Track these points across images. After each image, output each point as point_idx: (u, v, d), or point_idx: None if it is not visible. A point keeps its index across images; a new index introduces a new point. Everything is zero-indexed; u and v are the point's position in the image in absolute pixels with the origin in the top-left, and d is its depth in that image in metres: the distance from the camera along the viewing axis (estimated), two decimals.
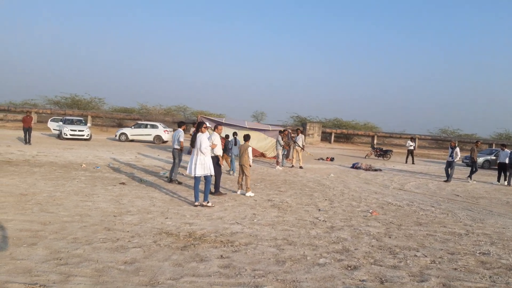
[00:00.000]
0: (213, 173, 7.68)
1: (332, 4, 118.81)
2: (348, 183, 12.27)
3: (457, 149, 14.61)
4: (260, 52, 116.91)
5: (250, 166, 9.10)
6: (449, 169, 14.65)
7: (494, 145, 40.42)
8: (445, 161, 15.80)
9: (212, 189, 8.41)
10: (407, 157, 23.60)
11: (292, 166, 16.25)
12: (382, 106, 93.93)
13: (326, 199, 9.11)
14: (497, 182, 15.34)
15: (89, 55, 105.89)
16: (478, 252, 5.47)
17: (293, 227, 6.31)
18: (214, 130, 9.27)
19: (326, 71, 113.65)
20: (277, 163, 15.58)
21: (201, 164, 7.40)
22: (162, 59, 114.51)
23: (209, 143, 7.72)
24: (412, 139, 25.55)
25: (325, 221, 6.83)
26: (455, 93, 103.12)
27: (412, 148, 23.56)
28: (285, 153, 16.43)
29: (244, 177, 9.12)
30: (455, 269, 4.70)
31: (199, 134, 7.45)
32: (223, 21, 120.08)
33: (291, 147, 16.92)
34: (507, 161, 15.06)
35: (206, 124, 7.91)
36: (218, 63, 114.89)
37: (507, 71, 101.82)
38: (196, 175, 7.45)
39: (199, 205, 7.38)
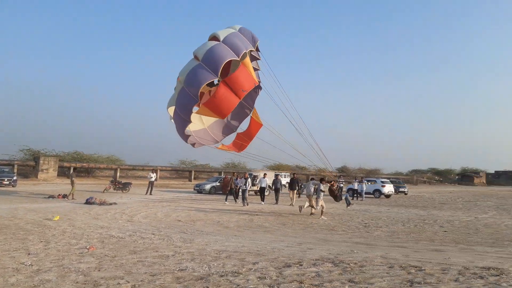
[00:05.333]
0: None
1: None
2: (75, 221, 11.69)
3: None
4: None
5: None
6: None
7: (223, 173, 47.20)
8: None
9: None
10: (147, 189, 24.49)
11: None
12: (126, 138, 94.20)
13: (41, 241, 8.38)
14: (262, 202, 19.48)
15: None
16: (177, 269, 6.26)
17: None
18: None
19: None
20: None
21: None
22: None
23: None
24: (153, 170, 26.88)
25: (32, 265, 6.29)
26: None
27: (153, 179, 24.69)
28: None
29: None
30: None
31: None
32: None
33: None
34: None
35: None
36: None
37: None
38: None
39: None
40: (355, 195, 26.69)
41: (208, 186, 27.62)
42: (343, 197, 14.40)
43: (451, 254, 8.08)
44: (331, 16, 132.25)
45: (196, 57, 9.79)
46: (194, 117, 10.31)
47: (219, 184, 27.95)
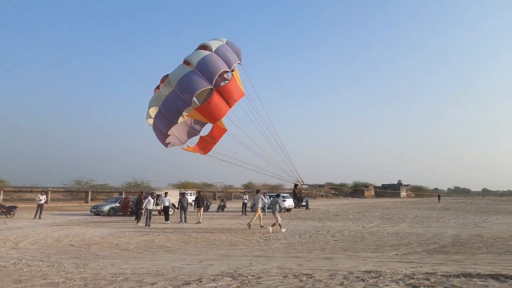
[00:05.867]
0: None
1: None
2: None
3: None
4: None
5: None
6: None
7: (124, 193, 44.85)
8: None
9: None
10: (36, 212, 22.21)
11: None
12: (9, 157, 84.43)
13: None
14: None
15: None
16: None
17: None
18: None
19: None
20: None
21: None
22: None
23: None
24: (43, 192, 24.44)
25: None
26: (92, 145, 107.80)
27: (42, 202, 22.49)
28: None
29: None
30: None
31: None
32: None
33: None
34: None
35: None
36: None
37: None
38: None
39: None
40: None
41: (106, 208, 26.01)
42: (304, 200, 15.07)
43: (339, 261, 8.85)
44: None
45: (188, 63, 10.20)
46: (152, 113, 10.71)
47: (119, 205, 26.54)
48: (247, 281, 6.61)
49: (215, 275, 7.11)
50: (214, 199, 52.29)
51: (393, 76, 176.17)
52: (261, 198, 17.06)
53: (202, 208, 21.02)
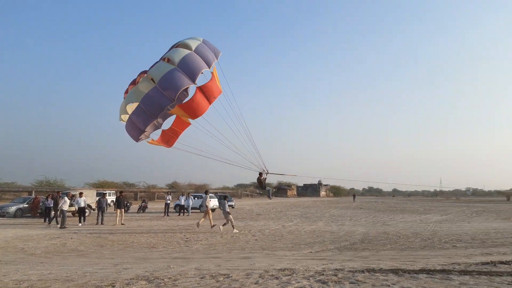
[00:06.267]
0: None
1: None
2: None
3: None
4: None
5: None
6: None
7: (34, 192, 41.27)
8: None
9: None
10: None
11: None
12: None
13: None
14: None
15: None
16: None
17: None
18: None
19: None
20: None
21: None
22: None
23: None
24: None
25: None
26: None
27: None
28: None
29: None
30: None
31: None
32: None
33: None
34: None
35: None
36: None
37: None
38: None
39: None
40: (182, 210, 27.13)
41: (13, 208, 23.79)
42: (267, 190, 15.03)
43: (257, 260, 9.11)
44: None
45: (169, 61, 10.46)
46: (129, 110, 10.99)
47: (27, 205, 24.43)
48: (163, 283, 6.52)
49: (130, 279, 6.91)
50: (136, 199, 50.36)
51: (309, 79, 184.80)
52: (216, 199, 17.36)
53: (123, 209, 20.17)
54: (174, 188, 62.86)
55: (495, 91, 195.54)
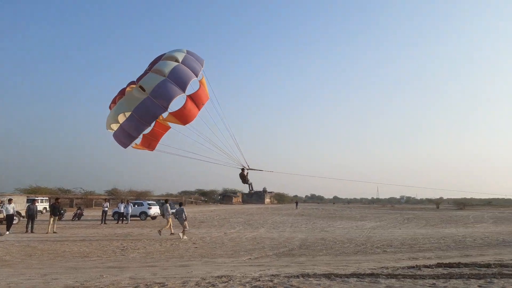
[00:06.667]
0: None
1: None
2: None
3: None
4: None
5: None
6: None
7: None
8: None
9: None
10: None
11: None
12: None
13: None
14: None
15: None
16: None
17: None
18: None
19: None
20: None
21: None
22: None
23: None
24: None
25: None
26: None
27: None
28: None
29: None
30: None
31: None
32: None
33: None
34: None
35: None
36: None
37: None
38: None
39: None
40: (121, 218, 26.18)
41: None
42: (249, 183, 14.87)
43: (195, 267, 9.04)
44: None
45: (159, 72, 11.17)
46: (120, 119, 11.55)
47: None
48: None
49: None
50: (72, 206, 47.68)
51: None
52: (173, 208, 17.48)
53: (57, 216, 19.05)
54: (113, 195, 60.36)
55: (423, 101, 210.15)
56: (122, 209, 26.40)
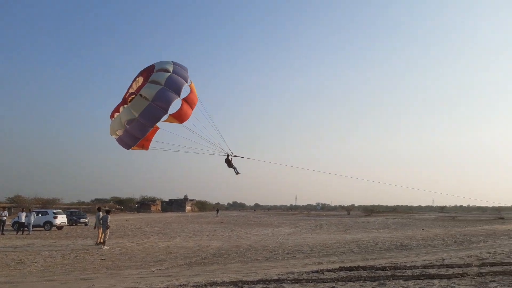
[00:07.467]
0: None
1: None
2: None
3: None
4: None
5: None
6: None
7: None
8: None
9: None
10: None
11: None
12: None
13: None
14: None
15: None
16: None
17: None
18: None
19: None
20: None
21: None
22: None
23: None
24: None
25: None
26: None
27: None
28: None
29: None
30: None
31: None
32: None
33: None
34: None
35: None
36: None
37: None
38: None
39: None
40: (22, 228, 23.85)
41: None
42: (233, 166, 14.45)
43: (98, 280, 8.55)
44: None
45: (156, 82, 12.76)
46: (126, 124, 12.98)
47: None
48: None
49: None
50: None
51: None
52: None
53: None
54: (16, 203, 54.74)
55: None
56: (23, 218, 24.05)
